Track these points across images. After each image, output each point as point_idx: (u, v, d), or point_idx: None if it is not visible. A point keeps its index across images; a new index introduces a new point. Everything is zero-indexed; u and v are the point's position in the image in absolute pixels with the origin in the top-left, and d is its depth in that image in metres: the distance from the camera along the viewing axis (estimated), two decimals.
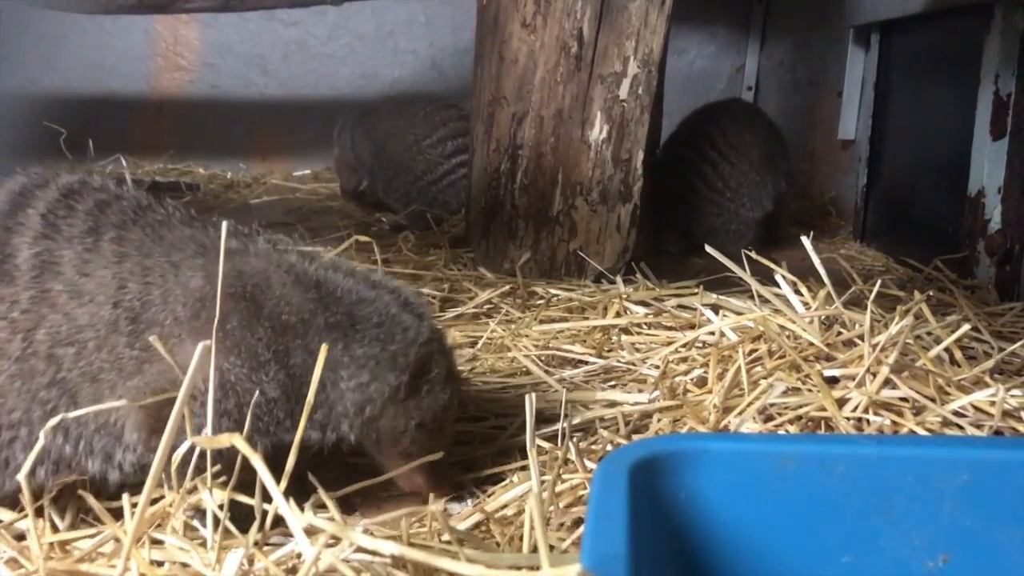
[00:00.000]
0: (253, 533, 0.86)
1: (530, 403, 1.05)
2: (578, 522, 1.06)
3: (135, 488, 0.95)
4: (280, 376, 1.01)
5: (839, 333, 1.48)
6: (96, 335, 0.98)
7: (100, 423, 0.99)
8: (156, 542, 0.95)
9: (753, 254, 1.64)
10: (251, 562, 0.89)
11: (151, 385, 0.98)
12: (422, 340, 1.09)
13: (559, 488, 1.13)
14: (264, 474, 0.77)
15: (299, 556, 0.92)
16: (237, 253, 1.05)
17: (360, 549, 0.83)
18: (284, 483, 0.88)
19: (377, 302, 1.09)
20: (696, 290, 1.86)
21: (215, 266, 0.97)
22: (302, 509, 0.77)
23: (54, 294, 0.98)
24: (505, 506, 1.12)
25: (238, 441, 0.77)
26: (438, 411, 1.12)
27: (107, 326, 0.98)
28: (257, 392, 0.99)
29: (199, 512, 0.97)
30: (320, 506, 0.91)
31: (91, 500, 0.99)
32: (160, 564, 0.93)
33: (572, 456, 1.19)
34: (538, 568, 0.68)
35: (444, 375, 1.12)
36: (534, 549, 0.90)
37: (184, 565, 0.92)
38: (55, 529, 1.03)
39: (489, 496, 1.16)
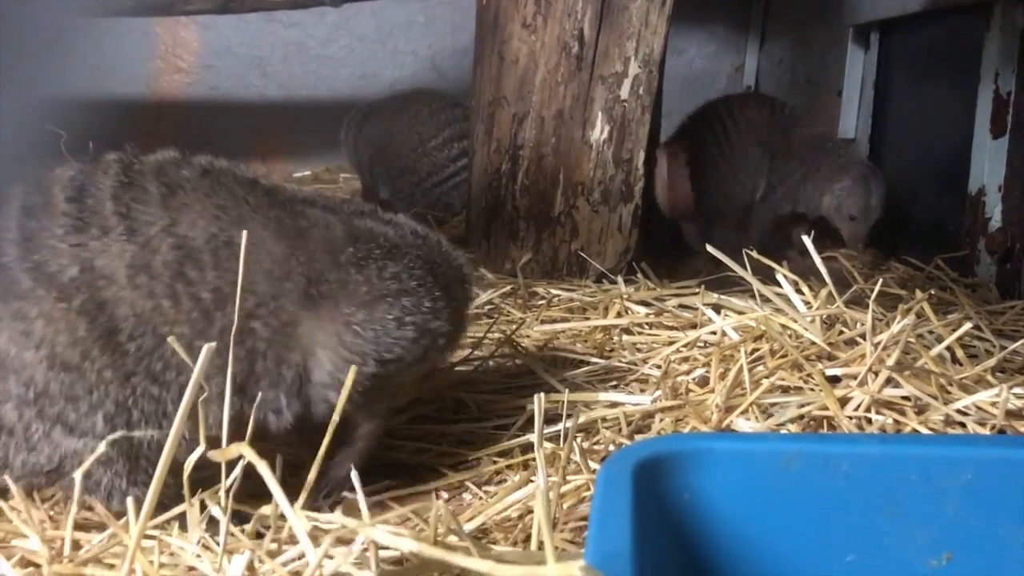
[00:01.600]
0: (268, 541, 0.87)
1: (539, 403, 1.05)
2: (582, 522, 1.06)
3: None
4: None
5: (841, 332, 1.48)
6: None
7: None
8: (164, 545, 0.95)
9: (754, 253, 1.64)
10: (256, 564, 0.89)
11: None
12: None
13: (562, 489, 1.13)
14: (269, 480, 0.77)
15: (300, 557, 0.92)
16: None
17: (376, 546, 0.82)
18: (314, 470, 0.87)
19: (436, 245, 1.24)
20: (697, 290, 1.86)
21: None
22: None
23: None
24: (508, 507, 1.12)
25: (246, 450, 0.78)
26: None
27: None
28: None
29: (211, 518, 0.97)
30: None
31: (98, 506, 0.99)
32: (171, 566, 0.93)
33: (575, 456, 1.19)
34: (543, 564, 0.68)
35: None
36: (540, 548, 0.90)
37: (191, 568, 0.92)
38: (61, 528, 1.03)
39: (492, 498, 1.16)
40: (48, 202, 1.01)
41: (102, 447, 0.89)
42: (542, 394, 1.08)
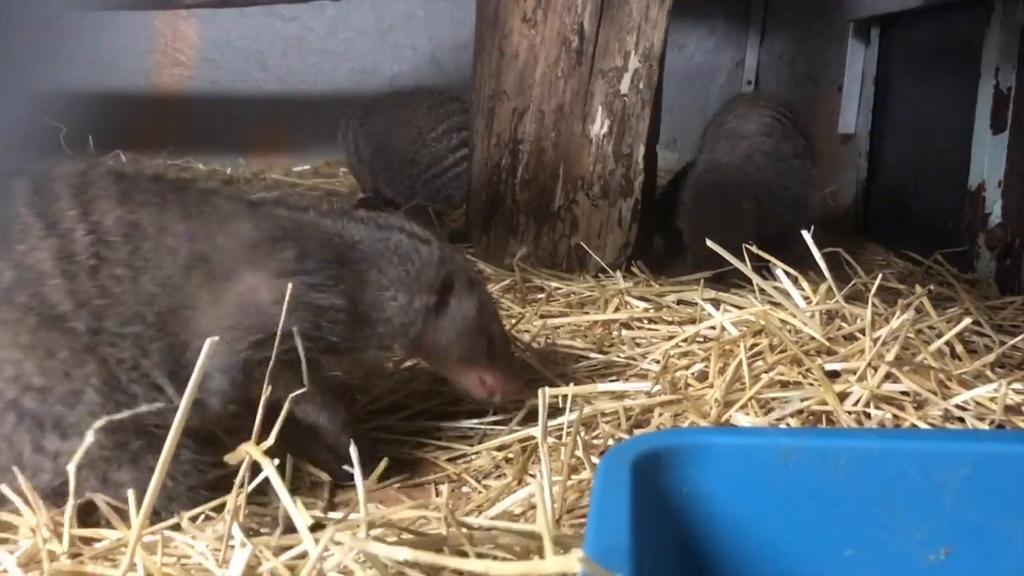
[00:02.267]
0: (276, 538, 0.87)
1: (543, 397, 1.06)
2: (582, 516, 1.07)
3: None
4: (340, 290, 1.18)
5: (840, 327, 1.48)
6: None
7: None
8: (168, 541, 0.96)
9: (754, 248, 1.64)
10: (259, 560, 0.89)
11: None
12: (436, 261, 1.27)
13: (563, 483, 1.13)
14: (274, 478, 0.78)
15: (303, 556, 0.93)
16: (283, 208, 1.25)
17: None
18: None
19: (392, 238, 1.26)
20: (696, 285, 1.86)
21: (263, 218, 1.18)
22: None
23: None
24: (507, 502, 1.12)
25: (252, 450, 0.78)
26: (472, 317, 1.29)
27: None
28: (327, 300, 1.15)
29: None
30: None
31: (99, 500, 0.99)
32: (174, 564, 0.93)
33: (577, 451, 1.19)
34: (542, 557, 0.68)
35: (466, 285, 1.30)
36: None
37: (197, 566, 0.92)
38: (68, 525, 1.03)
39: (492, 492, 1.16)
40: None
41: (90, 434, 0.88)
42: (546, 388, 1.08)
